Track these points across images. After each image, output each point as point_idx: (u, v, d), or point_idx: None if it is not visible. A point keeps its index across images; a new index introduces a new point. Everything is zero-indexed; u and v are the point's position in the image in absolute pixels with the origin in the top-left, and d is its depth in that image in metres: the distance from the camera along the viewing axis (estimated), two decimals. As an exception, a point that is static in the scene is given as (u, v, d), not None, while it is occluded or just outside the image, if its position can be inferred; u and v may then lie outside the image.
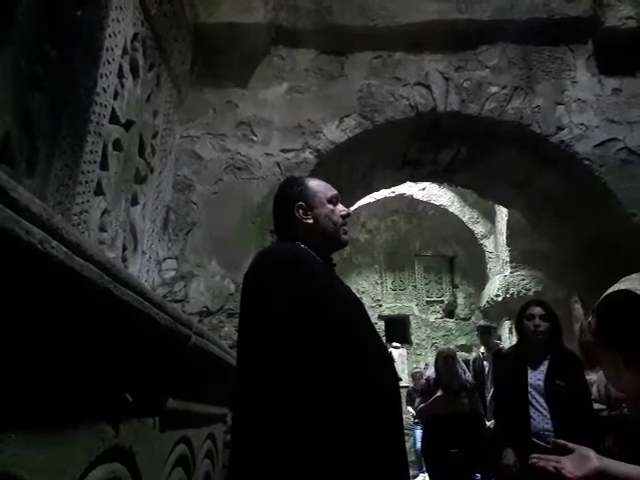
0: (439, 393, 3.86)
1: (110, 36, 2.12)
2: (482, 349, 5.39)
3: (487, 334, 5.23)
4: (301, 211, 1.47)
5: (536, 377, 2.65)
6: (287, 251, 1.37)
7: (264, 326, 1.20)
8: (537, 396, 2.59)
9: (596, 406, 2.66)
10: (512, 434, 2.62)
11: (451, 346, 8.41)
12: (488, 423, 3.96)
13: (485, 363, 5.00)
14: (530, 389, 2.61)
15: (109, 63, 2.12)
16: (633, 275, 1.07)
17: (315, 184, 1.55)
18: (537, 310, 2.75)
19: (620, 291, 1.04)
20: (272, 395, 1.12)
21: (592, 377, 2.90)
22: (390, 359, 1.48)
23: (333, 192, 1.55)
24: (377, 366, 1.28)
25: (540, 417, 2.54)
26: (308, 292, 1.24)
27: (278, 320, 1.19)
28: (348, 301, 1.35)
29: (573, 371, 2.64)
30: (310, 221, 1.47)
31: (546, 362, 2.67)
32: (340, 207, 1.53)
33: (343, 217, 1.52)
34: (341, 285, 1.41)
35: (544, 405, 2.55)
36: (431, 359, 7.82)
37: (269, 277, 1.28)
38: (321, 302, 1.23)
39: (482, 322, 5.76)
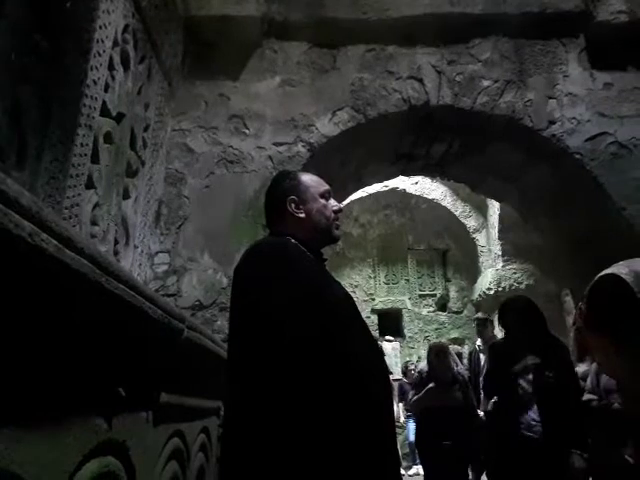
0: (431, 385, 3.89)
1: (100, 28, 2.09)
2: (478, 341, 5.42)
3: (482, 326, 5.28)
4: (293, 205, 1.47)
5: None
6: (277, 246, 1.37)
7: (254, 321, 1.20)
8: (526, 387, 2.61)
9: (588, 396, 2.68)
10: (502, 427, 2.64)
11: (443, 339, 8.47)
12: (481, 414, 3.99)
13: (481, 355, 5.03)
14: (520, 380, 2.63)
15: (99, 55, 2.10)
16: (621, 262, 1.08)
17: (308, 178, 1.54)
18: (510, 316, 2.81)
19: (607, 275, 1.04)
20: (264, 390, 1.12)
21: (581, 368, 2.93)
22: (380, 353, 1.48)
23: (325, 187, 1.55)
24: (367, 361, 1.29)
25: (529, 409, 2.56)
26: (298, 287, 1.24)
27: (268, 315, 1.19)
28: (338, 296, 1.35)
29: (561, 360, 2.65)
30: (302, 215, 1.46)
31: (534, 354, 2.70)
32: (332, 202, 1.53)
33: (335, 212, 1.52)
34: (331, 280, 1.41)
35: (532, 397, 2.57)
36: (424, 352, 7.86)
37: (259, 272, 1.28)
38: (311, 297, 1.23)
39: (479, 314, 5.77)
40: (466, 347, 7.61)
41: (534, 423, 2.50)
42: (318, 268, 1.41)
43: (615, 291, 0.99)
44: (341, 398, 1.15)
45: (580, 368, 2.93)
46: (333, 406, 1.13)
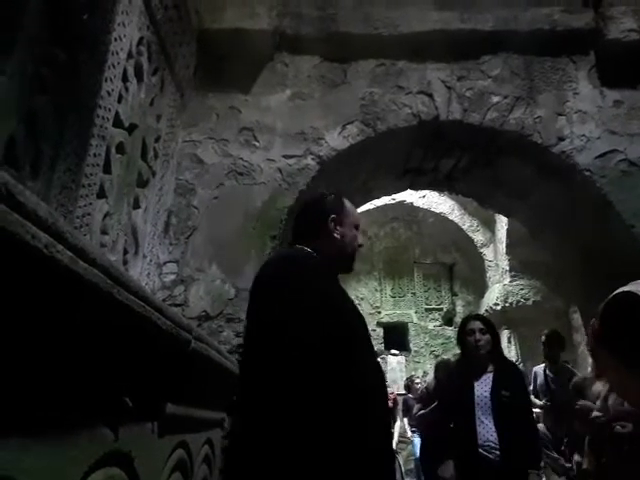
0: (437, 403, 3.85)
1: (116, 40, 2.13)
2: (541, 366, 5.24)
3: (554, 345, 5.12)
4: (333, 224, 1.57)
5: (482, 389, 2.68)
6: (301, 259, 1.43)
7: (275, 333, 1.23)
8: (484, 407, 2.61)
9: (595, 414, 2.66)
10: (459, 446, 2.62)
11: (449, 354, 8.40)
12: None
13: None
14: (477, 400, 2.64)
15: (114, 67, 2.13)
16: (639, 280, 1.05)
17: (350, 206, 1.67)
18: (476, 324, 2.83)
19: (623, 293, 1.02)
20: (272, 400, 1.14)
21: (597, 387, 2.90)
22: (382, 374, 1.53)
23: (360, 220, 1.68)
24: (373, 381, 1.33)
25: (485, 429, 2.56)
26: (320, 304, 1.30)
27: (290, 329, 1.22)
28: (352, 315, 1.41)
29: (516, 382, 2.72)
30: (337, 236, 1.56)
31: (490, 374, 2.72)
32: (360, 236, 1.66)
33: (359, 246, 1.63)
34: (346, 298, 1.47)
35: (489, 417, 2.58)
36: (429, 367, 7.81)
37: (285, 285, 1.32)
38: (328, 313, 1.29)
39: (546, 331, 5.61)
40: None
41: (493, 445, 2.51)
42: (338, 287, 1.47)
43: (630, 310, 0.97)
44: (347, 415, 1.16)
45: (597, 386, 2.90)
46: (338, 421, 1.15)
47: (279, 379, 1.15)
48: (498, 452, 2.48)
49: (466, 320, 2.97)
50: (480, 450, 2.52)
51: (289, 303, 1.25)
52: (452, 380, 3.03)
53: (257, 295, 1.36)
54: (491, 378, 2.70)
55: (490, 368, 2.73)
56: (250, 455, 1.16)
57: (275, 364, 1.17)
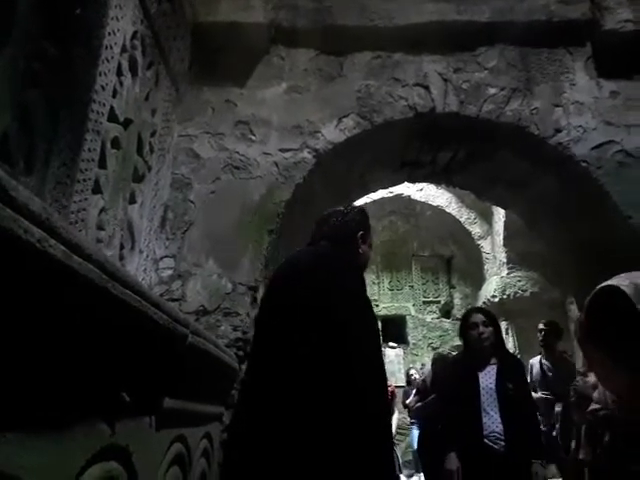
0: (434, 396, 3.87)
1: (109, 34, 2.11)
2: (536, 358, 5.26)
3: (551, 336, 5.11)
4: (361, 240, 1.71)
5: (487, 381, 2.71)
6: (358, 265, 1.64)
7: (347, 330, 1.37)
8: (489, 399, 2.64)
9: (594, 406, 2.68)
10: (463, 437, 2.65)
11: (447, 346, 8.45)
12: None
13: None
14: (482, 392, 2.67)
15: (108, 61, 2.12)
16: (622, 274, 1.06)
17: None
18: (479, 317, 2.84)
19: (607, 287, 1.02)
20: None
21: (592, 379, 2.91)
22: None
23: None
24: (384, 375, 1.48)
25: (491, 420, 2.60)
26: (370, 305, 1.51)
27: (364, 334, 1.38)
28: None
29: (518, 374, 2.77)
30: (360, 251, 1.70)
31: (494, 366, 2.75)
32: None
33: None
34: None
35: (495, 408, 2.61)
36: (427, 359, 7.84)
37: (359, 292, 1.49)
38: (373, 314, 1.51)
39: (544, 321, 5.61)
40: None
41: (498, 436, 2.55)
42: None
43: (615, 304, 0.97)
44: (351, 411, 1.23)
45: (591, 378, 2.91)
46: (343, 417, 1.24)
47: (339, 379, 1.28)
48: (503, 442, 2.53)
49: (468, 313, 2.97)
50: (485, 440, 2.56)
51: (357, 304, 1.40)
52: (454, 373, 3.04)
53: (311, 290, 1.45)
54: (495, 370, 2.72)
55: (493, 360, 2.75)
56: (260, 449, 1.23)
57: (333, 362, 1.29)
